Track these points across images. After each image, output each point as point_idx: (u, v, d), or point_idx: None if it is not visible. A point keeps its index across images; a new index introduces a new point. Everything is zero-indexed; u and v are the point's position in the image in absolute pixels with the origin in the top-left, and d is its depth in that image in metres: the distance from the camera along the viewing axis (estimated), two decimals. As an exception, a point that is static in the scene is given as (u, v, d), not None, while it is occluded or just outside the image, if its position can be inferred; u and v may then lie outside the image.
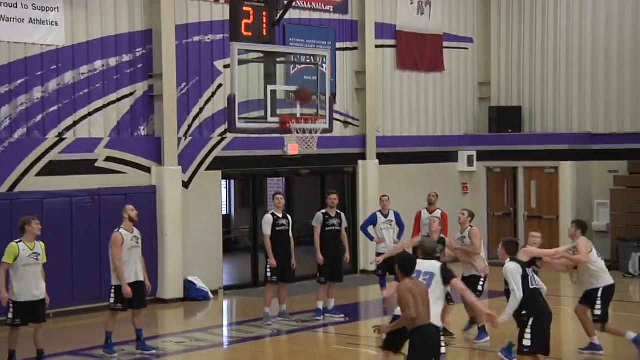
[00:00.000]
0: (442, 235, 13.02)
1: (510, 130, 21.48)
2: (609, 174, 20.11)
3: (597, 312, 11.23)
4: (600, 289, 11.25)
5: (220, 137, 17.05)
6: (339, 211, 14.79)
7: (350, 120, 19.47)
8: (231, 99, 13.06)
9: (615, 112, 20.68)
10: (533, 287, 9.55)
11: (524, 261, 9.98)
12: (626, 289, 18.05)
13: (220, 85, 16.98)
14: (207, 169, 16.88)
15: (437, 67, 21.22)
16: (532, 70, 21.78)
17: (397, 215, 15.42)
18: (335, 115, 18.75)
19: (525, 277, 9.55)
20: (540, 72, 21.66)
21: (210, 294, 16.40)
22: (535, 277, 9.79)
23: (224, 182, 18.61)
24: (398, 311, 8.96)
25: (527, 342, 9.40)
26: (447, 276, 9.61)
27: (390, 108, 20.28)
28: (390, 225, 15.28)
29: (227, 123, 16.94)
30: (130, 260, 11.92)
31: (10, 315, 11.14)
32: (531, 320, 9.44)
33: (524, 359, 9.50)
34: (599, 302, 11.20)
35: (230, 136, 16.95)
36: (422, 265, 9.77)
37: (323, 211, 14.78)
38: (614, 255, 19.54)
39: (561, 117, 21.36)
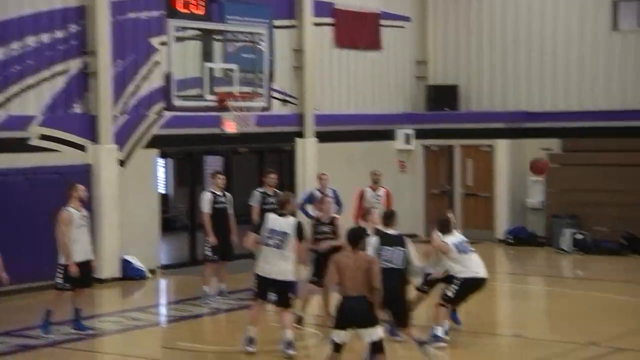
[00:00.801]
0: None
1: (446, 109, 21.67)
2: (543, 151, 20.44)
3: (449, 293, 11.16)
4: (462, 279, 11.14)
5: (157, 115, 16.88)
6: (276, 190, 14.79)
7: (288, 99, 19.43)
8: (168, 77, 12.92)
9: (549, 91, 20.99)
10: (381, 266, 9.65)
11: (392, 236, 10.33)
12: (558, 265, 18.44)
13: (156, 63, 16.79)
14: (144, 147, 16.72)
15: (374, 45, 21.27)
16: (468, 49, 21.97)
17: (334, 192, 15.45)
18: (274, 94, 18.76)
19: (377, 253, 10.08)
20: (476, 50, 21.87)
21: (147, 273, 16.29)
22: (394, 255, 10.11)
23: (161, 160, 18.47)
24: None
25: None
26: (300, 234, 10.37)
27: (329, 86, 20.28)
28: (328, 203, 15.29)
29: (164, 101, 16.87)
30: (80, 239, 11.86)
31: None
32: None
33: None
34: (455, 287, 11.12)
35: (167, 114, 16.79)
36: (277, 223, 10.44)
37: (261, 190, 14.77)
38: (548, 232, 19.91)
39: (497, 96, 21.62)
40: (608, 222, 19.10)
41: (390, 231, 10.49)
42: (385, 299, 9.16)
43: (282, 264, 10.55)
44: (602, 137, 19.99)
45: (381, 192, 15.71)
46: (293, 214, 10.97)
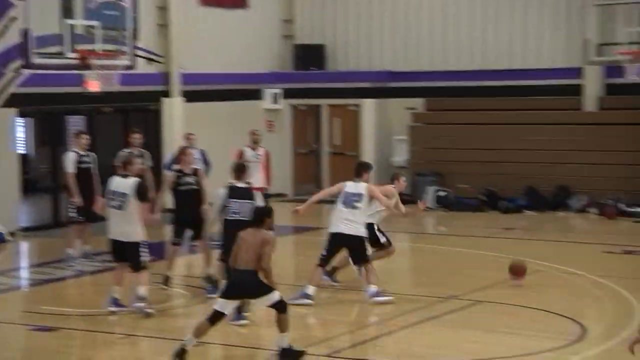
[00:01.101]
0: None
1: (313, 68, 21.74)
2: (407, 110, 20.83)
3: (323, 251, 11.35)
4: (329, 234, 11.39)
5: (15, 73, 16.26)
6: (142, 150, 14.58)
7: (153, 57, 19.06)
8: (26, 33, 12.44)
9: (414, 51, 21.34)
10: (229, 218, 10.25)
11: (241, 188, 10.48)
12: (422, 222, 18.90)
13: (13, 18, 16.11)
14: (2, 106, 16.12)
15: (240, 4, 21.07)
16: (334, 8, 22.05)
17: (202, 153, 15.34)
18: (138, 52, 18.36)
19: (224, 206, 10.38)
20: (343, 10, 21.98)
21: (7, 235, 15.82)
22: (242, 207, 10.21)
23: (20, 120, 17.88)
24: None
25: None
26: (142, 195, 10.42)
27: (195, 45, 19.98)
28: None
29: (22, 58, 16.26)
30: None
31: None
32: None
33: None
34: (326, 241, 11.37)
35: (26, 72, 16.21)
36: (118, 184, 10.53)
37: (127, 150, 14.52)
38: (413, 190, 20.37)
39: (363, 56, 21.83)
40: (470, 179, 19.70)
41: (240, 184, 10.56)
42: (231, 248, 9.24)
43: (124, 226, 10.51)
44: (465, 96, 20.54)
45: (261, 151, 15.68)
46: (137, 175, 10.85)
